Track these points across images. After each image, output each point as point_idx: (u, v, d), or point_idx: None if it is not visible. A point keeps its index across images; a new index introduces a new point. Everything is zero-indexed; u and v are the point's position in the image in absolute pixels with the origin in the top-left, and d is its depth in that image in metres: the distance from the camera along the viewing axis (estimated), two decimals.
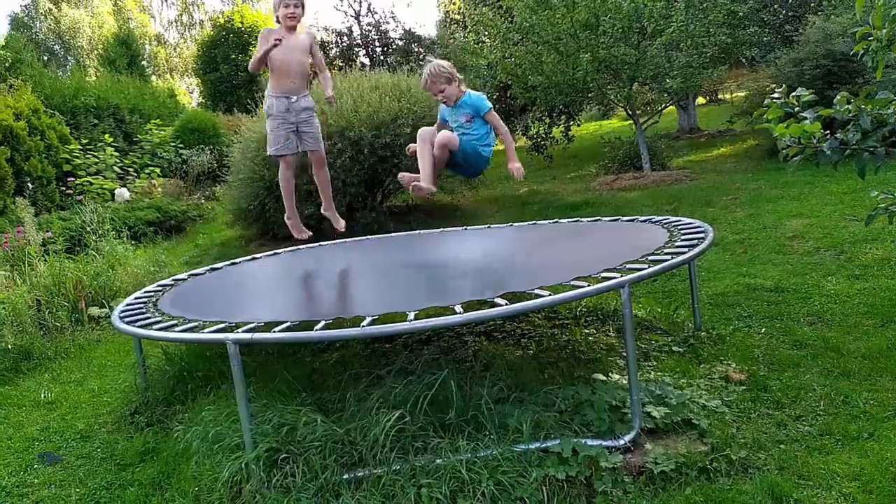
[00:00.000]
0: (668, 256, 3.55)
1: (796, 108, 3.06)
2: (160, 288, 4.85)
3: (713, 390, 3.47)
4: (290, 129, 4.82)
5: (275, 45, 4.58)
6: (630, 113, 10.77)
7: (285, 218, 5.36)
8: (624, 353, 4.00)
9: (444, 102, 4.30)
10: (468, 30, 14.75)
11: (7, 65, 14.32)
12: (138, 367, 4.32)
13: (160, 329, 3.52)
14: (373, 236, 6.31)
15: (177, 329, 3.44)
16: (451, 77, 4.21)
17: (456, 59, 16.26)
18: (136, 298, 4.53)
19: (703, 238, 3.87)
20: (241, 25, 24.11)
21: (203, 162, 14.18)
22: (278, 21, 4.83)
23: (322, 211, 5.53)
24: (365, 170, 8.43)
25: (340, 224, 5.47)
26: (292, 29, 4.79)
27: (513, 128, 15.29)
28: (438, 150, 4.19)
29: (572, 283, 3.28)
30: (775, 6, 12.16)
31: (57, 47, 37.33)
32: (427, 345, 4.54)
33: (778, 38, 12.62)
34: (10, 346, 5.28)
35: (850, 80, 9.14)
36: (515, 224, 5.72)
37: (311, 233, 5.48)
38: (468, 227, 5.89)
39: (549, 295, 3.10)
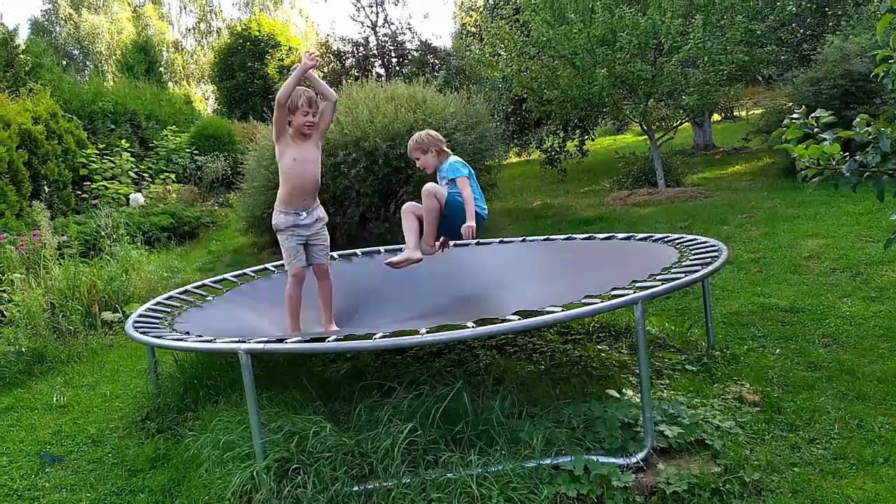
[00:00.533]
0: (682, 274, 3.54)
1: (815, 129, 3.05)
2: (171, 299, 4.86)
3: (727, 410, 3.45)
4: (299, 243, 4.39)
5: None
6: (645, 128, 10.75)
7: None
8: (636, 371, 3.99)
9: (424, 168, 4.72)
10: (484, 42, 14.80)
11: (27, 69, 14.45)
12: (150, 374, 4.33)
13: (174, 339, 3.53)
14: (384, 248, 6.31)
15: (190, 339, 3.45)
16: (425, 149, 4.63)
17: (471, 71, 16.33)
18: (149, 308, 4.55)
19: (716, 256, 3.85)
20: (258, 34, 24.31)
21: (217, 168, 14.27)
22: (289, 124, 4.30)
23: (323, 326, 4.79)
24: (379, 180, 8.45)
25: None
26: (307, 137, 4.35)
27: (527, 140, 15.33)
28: (427, 200, 4.49)
29: (585, 299, 3.27)
30: (793, 25, 12.14)
31: (76, 52, 37.74)
32: (438, 357, 4.54)
33: (795, 56, 12.59)
34: (23, 349, 5.31)
35: (867, 101, 9.10)
36: (528, 238, 5.70)
37: None
38: (480, 241, 5.87)
39: (562, 311, 3.09)
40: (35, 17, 37.85)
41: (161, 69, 23.99)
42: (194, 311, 4.69)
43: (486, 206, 4.63)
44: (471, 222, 4.34)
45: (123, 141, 13.38)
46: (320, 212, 4.55)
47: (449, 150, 4.75)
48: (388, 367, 4.37)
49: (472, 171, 4.63)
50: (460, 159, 4.67)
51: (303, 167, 4.31)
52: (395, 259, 4.54)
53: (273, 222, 4.46)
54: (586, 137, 15.05)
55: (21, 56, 14.62)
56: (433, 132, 4.73)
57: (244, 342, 3.17)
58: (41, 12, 38.32)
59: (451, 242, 4.88)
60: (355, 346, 3.27)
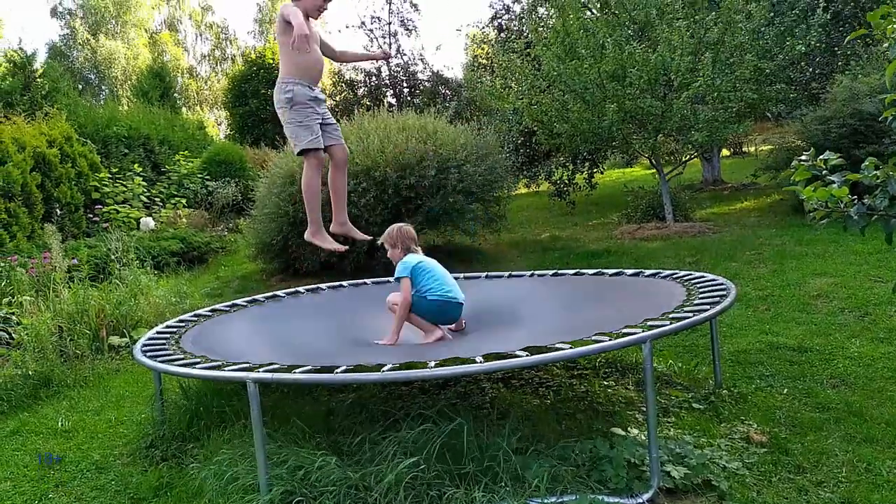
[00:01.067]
0: (690, 313, 3.54)
1: (823, 171, 3.06)
2: (182, 323, 4.89)
3: (734, 451, 3.43)
4: (316, 121, 4.25)
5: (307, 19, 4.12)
6: (654, 163, 10.80)
7: (309, 234, 4.56)
8: (643, 408, 3.98)
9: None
10: (495, 74, 14.93)
11: (44, 93, 14.64)
12: (156, 401, 4.34)
13: (181, 365, 3.54)
14: (393, 278, 6.32)
15: (198, 366, 3.46)
16: (393, 243, 4.85)
17: (482, 102, 16.46)
18: (158, 332, 4.57)
19: (725, 295, 3.85)
20: (271, 62, 24.55)
21: (228, 194, 14.36)
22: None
23: (335, 228, 4.74)
24: (388, 209, 8.49)
25: (360, 235, 4.88)
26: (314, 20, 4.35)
27: (536, 172, 15.39)
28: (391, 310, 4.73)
29: (594, 336, 3.27)
30: (802, 64, 12.21)
31: (92, 76, 38.21)
32: (444, 389, 4.53)
33: (804, 95, 12.64)
34: (30, 373, 5.33)
35: (877, 140, 9.12)
36: (536, 273, 5.71)
37: (341, 246, 4.66)
38: (489, 274, 5.89)
39: (570, 347, 3.09)
40: (53, 42, 38.42)
41: (175, 95, 24.25)
42: (201, 329, 4.71)
43: (451, 290, 4.67)
44: (393, 337, 4.51)
45: (136, 165, 13.50)
46: (322, 93, 4.45)
47: (417, 249, 4.85)
48: (394, 397, 4.36)
49: (421, 265, 4.68)
50: (411, 259, 4.73)
51: (313, 44, 4.21)
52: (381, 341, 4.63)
53: (283, 97, 4.23)
54: (595, 170, 15.10)
55: (38, 80, 14.82)
56: (406, 228, 4.87)
57: (252, 370, 3.18)
58: (59, 37, 38.89)
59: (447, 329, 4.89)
60: (364, 378, 3.26)
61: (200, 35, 44.19)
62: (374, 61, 19.60)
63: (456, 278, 5.76)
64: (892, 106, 3.05)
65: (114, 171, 12.93)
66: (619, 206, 12.96)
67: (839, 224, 3.02)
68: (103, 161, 13.07)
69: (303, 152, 4.27)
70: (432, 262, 4.80)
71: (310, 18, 4.24)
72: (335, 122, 4.44)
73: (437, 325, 4.67)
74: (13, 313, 6.43)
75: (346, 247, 4.81)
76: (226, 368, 3.36)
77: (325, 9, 4.29)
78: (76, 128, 12.76)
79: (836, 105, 9.94)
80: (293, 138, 4.27)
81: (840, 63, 12.41)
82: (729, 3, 9.87)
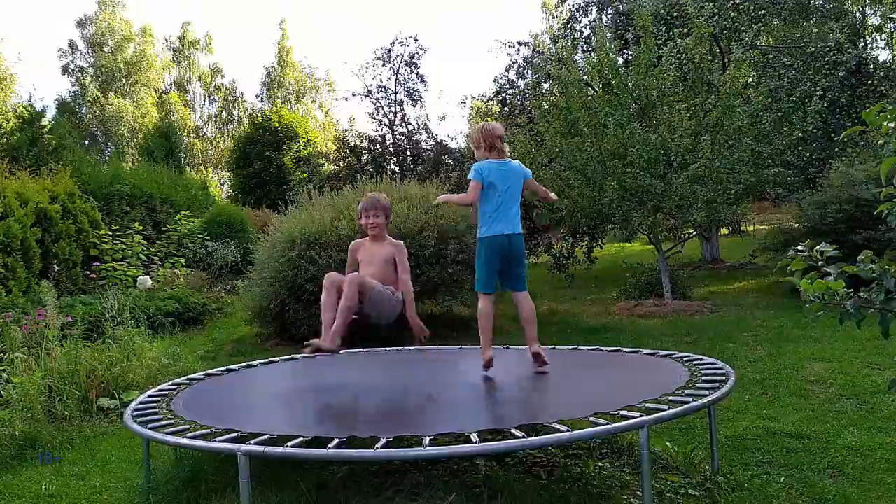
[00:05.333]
0: (689, 398, 3.52)
1: (820, 262, 3.08)
2: (174, 387, 4.84)
3: None
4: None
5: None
6: (653, 240, 10.87)
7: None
8: (638, 492, 3.91)
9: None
10: None
11: (50, 149, 14.84)
12: (143, 469, 4.26)
13: (171, 433, 3.49)
14: (390, 348, 6.30)
15: (188, 435, 3.41)
16: (477, 144, 4.73)
17: None
18: (149, 397, 4.52)
19: (724, 381, 3.83)
20: (277, 125, 24.97)
21: (227, 255, 14.39)
22: (362, 230, 4.97)
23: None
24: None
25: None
26: (377, 238, 4.90)
27: (536, 245, 15.47)
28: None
29: (591, 418, 3.25)
30: (800, 148, 12.43)
31: (99, 133, 38.74)
32: (437, 464, 4.46)
33: (802, 178, 12.84)
34: (17, 433, 5.24)
35: (872, 226, 9.22)
36: None
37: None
38: None
39: (568, 430, 3.06)
40: (63, 98, 39.05)
41: (181, 154, 24.55)
42: (193, 391, 4.65)
43: (507, 228, 4.68)
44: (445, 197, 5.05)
45: (137, 223, 13.57)
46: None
47: (503, 147, 4.71)
48: (385, 472, 4.29)
49: (500, 177, 4.67)
50: (487, 164, 4.66)
51: (370, 261, 4.79)
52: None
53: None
54: (595, 245, 15.19)
55: (46, 136, 15.03)
56: (489, 125, 4.74)
57: (243, 442, 3.14)
58: (69, 94, 39.57)
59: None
60: (356, 456, 3.21)
61: (209, 96, 45.01)
62: (378, 130, 19.92)
63: (453, 350, 5.76)
64: (888, 199, 3.10)
65: (114, 228, 12.99)
66: (617, 281, 12.99)
67: (836, 313, 3.03)
68: (105, 218, 13.14)
69: None
70: (506, 186, 4.62)
71: (375, 240, 4.91)
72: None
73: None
74: (4, 370, 6.37)
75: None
76: (216, 438, 3.31)
77: (375, 223, 4.85)
78: (80, 184, 12.87)
79: (832, 190, 10.09)
80: None
81: (837, 149, 12.64)
82: (728, 87, 10.09)
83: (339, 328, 4.60)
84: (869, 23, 17.51)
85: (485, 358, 4.69)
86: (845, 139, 12.26)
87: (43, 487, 4.57)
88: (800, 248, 3.10)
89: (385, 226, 4.98)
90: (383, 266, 4.80)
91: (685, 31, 12.78)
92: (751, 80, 12.60)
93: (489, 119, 20.90)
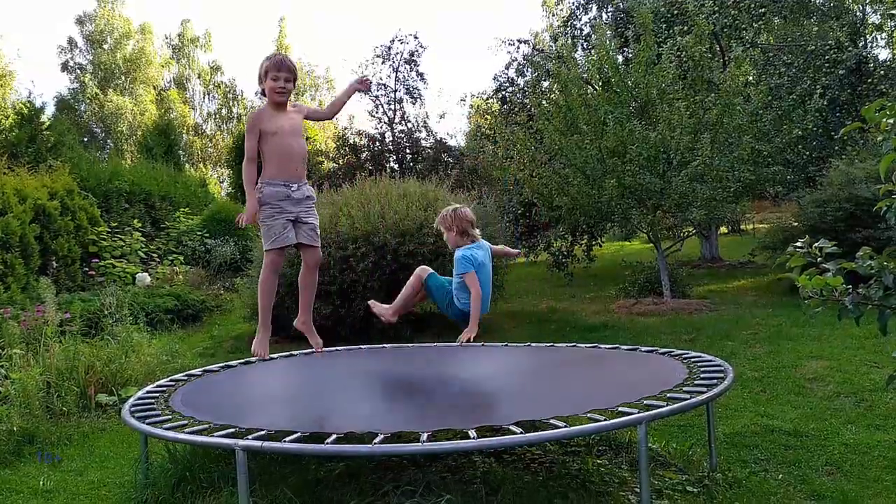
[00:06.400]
0: (687, 395, 3.52)
1: (819, 259, 3.08)
2: (172, 383, 4.84)
3: None
4: (287, 220, 4.23)
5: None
6: (652, 239, 10.87)
7: (255, 344, 4.78)
8: (636, 489, 3.91)
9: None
10: (497, 145, 15.15)
11: (49, 145, 14.82)
12: (141, 464, 4.26)
13: (169, 428, 3.49)
14: (389, 345, 6.30)
15: (186, 430, 3.41)
16: (448, 226, 4.85)
17: (483, 171, 16.67)
18: (147, 392, 4.52)
19: (722, 378, 3.83)
20: None
21: (226, 252, 14.38)
22: (264, 94, 4.23)
23: (296, 324, 4.89)
24: (387, 275, 8.51)
25: (318, 342, 5.05)
26: (282, 105, 4.22)
27: (535, 243, 15.47)
28: (412, 277, 4.91)
29: (589, 414, 3.25)
30: (799, 147, 12.43)
31: (98, 130, 38.70)
32: (435, 461, 4.46)
33: (801, 177, 12.84)
34: (15, 429, 5.24)
35: (872, 225, 9.21)
36: (533, 344, 5.68)
37: (267, 355, 4.81)
38: (486, 343, 5.85)
39: (565, 426, 3.06)
40: (62, 95, 39.00)
41: (180, 151, 24.53)
42: (191, 388, 4.65)
43: (488, 295, 4.70)
44: (471, 332, 4.44)
45: (136, 220, 13.56)
46: (310, 189, 4.36)
47: (475, 234, 4.78)
48: (384, 468, 4.28)
49: (482, 260, 4.67)
50: (472, 250, 4.70)
51: (288, 137, 4.16)
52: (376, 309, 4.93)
53: (258, 194, 4.16)
54: (594, 243, 15.19)
55: (45, 133, 15.02)
56: (463, 210, 4.81)
57: (241, 437, 3.14)
58: (68, 90, 39.53)
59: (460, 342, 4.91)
60: (354, 451, 3.22)
61: (208, 94, 44.96)
62: (378, 128, 19.89)
63: (451, 346, 5.76)
64: (887, 196, 3.09)
65: (113, 225, 12.99)
66: (616, 279, 12.99)
67: (834, 310, 3.03)
68: (104, 215, 13.14)
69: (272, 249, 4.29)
70: (485, 267, 4.78)
71: (279, 107, 4.21)
72: (315, 222, 4.40)
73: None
74: (2, 366, 6.37)
75: (268, 357, 4.81)
76: (214, 434, 3.31)
77: (287, 89, 4.19)
78: (79, 181, 12.87)
79: (832, 189, 10.08)
80: (264, 235, 4.29)
81: (837, 147, 12.64)
82: (728, 85, 10.09)
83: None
84: (869, 21, 17.51)
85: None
86: (845, 137, 12.25)
87: (41, 483, 4.57)
88: (799, 244, 3.10)
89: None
90: (302, 137, 4.35)
91: (685, 28, 12.79)
92: (751, 78, 12.58)
93: (489, 117, 20.88)
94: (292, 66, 4.20)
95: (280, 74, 4.12)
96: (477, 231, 4.81)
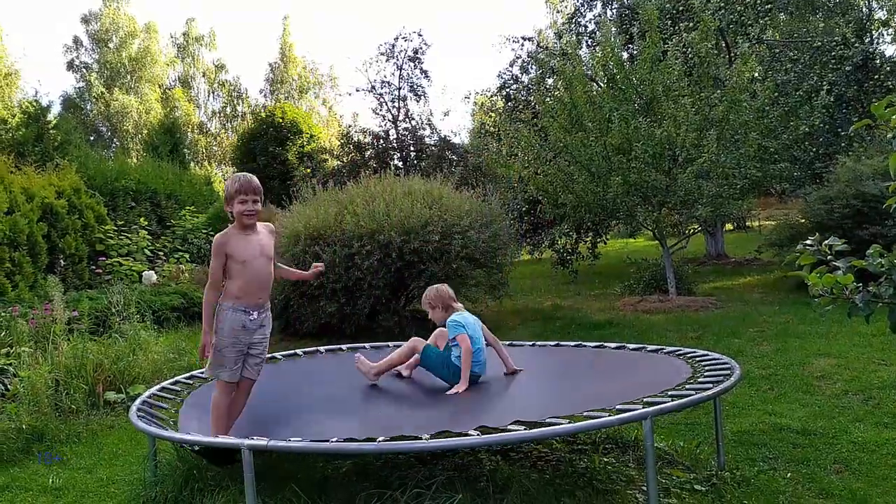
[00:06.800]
0: (693, 391, 3.51)
1: (828, 256, 3.07)
2: (178, 385, 4.85)
3: None
4: (239, 353, 3.99)
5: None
6: (658, 236, 10.85)
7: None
8: (644, 487, 3.90)
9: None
10: (502, 142, 15.13)
11: (55, 144, 14.85)
12: (149, 463, 4.27)
13: (176, 430, 3.50)
14: (393, 343, 6.29)
15: (193, 431, 3.42)
16: (433, 304, 4.92)
17: (488, 168, 16.64)
18: (154, 393, 4.53)
19: (728, 374, 3.82)
20: (281, 121, 24.94)
21: None
22: (231, 216, 4.07)
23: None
24: (391, 273, 8.51)
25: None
26: (251, 227, 4.07)
27: (540, 240, 15.45)
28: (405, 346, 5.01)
29: (594, 411, 3.24)
30: (806, 143, 12.39)
31: (104, 129, 38.76)
32: (442, 460, 4.46)
33: (808, 173, 12.79)
34: (24, 426, 5.26)
35: (879, 222, 9.18)
36: (538, 343, 5.68)
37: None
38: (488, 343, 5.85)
39: (569, 422, 3.06)
40: (68, 94, 39.07)
41: (185, 150, 24.55)
42: (197, 391, 4.66)
43: (483, 361, 4.78)
44: (461, 386, 4.56)
45: (142, 219, 13.59)
46: (268, 318, 4.13)
47: (457, 306, 4.92)
48: (390, 466, 4.29)
49: (472, 324, 4.78)
50: (461, 314, 4.83)
51: (255, 264, 3.98)
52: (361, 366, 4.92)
53: (215, 320, 3.99)
54: (599, 240, 15.16)
55: (51, 132, 15.05)
56: (443, 289, 4.96)
57: (247, 437, 3.14)
58: (74, 90, 39.60)
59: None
60: (359, 449, 3.22)
61: (213, 92, 44.97)
62: (382, 125, 19.87)
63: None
64: None
65: (120, 223, 13.02)
66: (621, 276, 12.98)
67: (844, 308, 3.01)
68: (110, 213, 13.18)
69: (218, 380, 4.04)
70: (474, 326, 4.83)
71: (247, 229, 4.05)
72: (263, 355, 4.14)
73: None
74: (10, 364, 6.39)
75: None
76: (221, 436, 3.32)
77: (256, 211, 4.02)
78: (85, 180, 12.90)
79: (839, 186, 10.04)
80: (211, 363, 4.01)
81: (843, 144, 12.59)
82: (734, 82, 10.05)
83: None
84: (875, 17, 17.44)
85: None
86: (852, 134, 12.21)
87: (50, 480, 4.59)
88: (808, 241, 3.08)
89: None
90: (269, 259, 4.11)
91: (691, 25, 12.76)
92: (757, 74, 12.54)
93: (493, 114, 20.85)
94: (259, 188, 4.09)
95: (248, 197, 4.00)
96: (459, 304, 4.95)
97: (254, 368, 4.07)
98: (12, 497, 4.38)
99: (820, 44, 13.40)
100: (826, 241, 3.08)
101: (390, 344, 6.25)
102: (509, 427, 3.13)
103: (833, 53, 13.17)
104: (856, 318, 2.80)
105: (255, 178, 4.11)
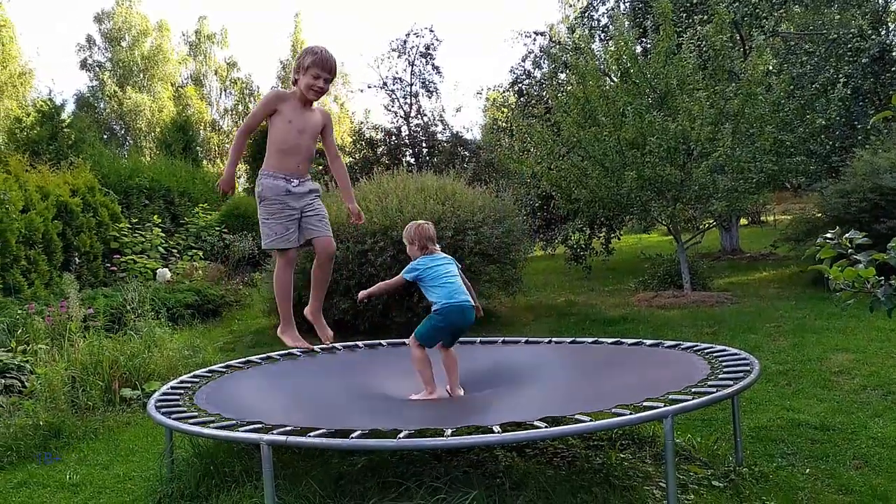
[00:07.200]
0: (713, 389, 3.48)
1: (849, 250, 3.04)
2: (196, 379, 4.86)
3: None
4: (290, 218, 3.95)
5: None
6: (672, 231, 10.79)
7: (279, 331, 4.62)
8: (661, 483, 3.88)
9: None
10: (514, 138, 15.09)
11: (70, 143, 14.93)
12: (166, 458, 4.28)
13: (195, 423, 3.50)
14: (387, 342, 6.26)
15: (212, 425, 3.42)
16: (411, 240, 4.64)
17: (500, 164, 16.61)
18: (171, 388, 4.54)
19: (749, 371, 3.79)
20: None
21: (245, 248, 14.45)
22: (295, 83, 3.96)
23: (306, 312, 4.61)
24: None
25: (327, 335, 4.72)
26: (309, 103, 4.02)
27: (553, 236, 15.41)
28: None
29: (613, 409, 3.22)
30: (822, 137, 12.28)
31: (117, 127, 38.97)
32: (457, 456, 4.45)
33: (824, 167, 12.68)
34: (41, 423, 5.29)
35: None
36: (554, 340, 5.65)
37: (308, 345, 4.69)
38: (506, 339, 5.84)
39: (590, 420, 3.04)
40: (81, 93, 39.31)
41: (197, 147, 24.62)
42: (215, 385, 4.67)
43: (461, 290, 4.64)
44: (426, 392, 4.46)
45: (156, 217, 13.65)
46: (312, 183, 4.08)
47: (434, 248, 4.76)
48: (406, 462, 4.28)
49: (435, 265, 4.62)
50: (430, 257, 4.66)
51: (302, 135, 3.93)
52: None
53: (257, 191, 3.93)
54: (612, 236, 15.10)
55: (65, 130, 15.13)
56: (425, 227, 4.71)
57: (266, 432, 3.14)
58: (88, 88, 39.83)
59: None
60: (379, 445, 3.21)
61: (225, 90, 45.14)
62: (394, 122, 19.88)
63: (472, 342, 5.74)
64: None
65: (134, 221, 13.09)
66: (635, 272, 12.92)
67: (864, 302, 2.98)
68: (124, 211, 13.25)
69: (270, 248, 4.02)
70: (442, 265, 4.62)
71: (307, 104, 4.01)
72: (322, 211, 4.12)
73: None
74: (27, 361, 6.43)
75: (313, 347, 4.64)
76: (239, 429, 3.32)
77: (324, 89, 3.95)
78: (99, 178, 12.97)
79: (856, 179, 9.95)
80: (262, 233, 4.00)
81: (860, 137, 12.47)
82: (749, 75, 9.98)
83: None
84: (891, 8, 17.25)
85: (430, 390, 4.63)
86: (869, 127, 12.09)
87: (68, 477, 4.61)
88: (829, 235, 3.05)
89: None
90: (314, 139, 4.07)
91: (705, 18, 12.67)
92: (772, 67, 12.43)
93: (505, 110, 20.79)
94: (335, 68, 3.93)
95: (321, 74, 3.86)
96: (437, 246, 4.81)
97: (319, 224, 4.00)
98: (30, 493, 4.41)
99: (836, 36, 13.26)
100: (846, 235, 3.05)
101: (406, 341, 6.24)
102: (529, 423, 3.11)
103: (849, 46, 13.03)
104: (878, 312, 2.76)
105: (333, 56, 3.95)
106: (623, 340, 5.33)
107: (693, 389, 3.53)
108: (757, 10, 13.45)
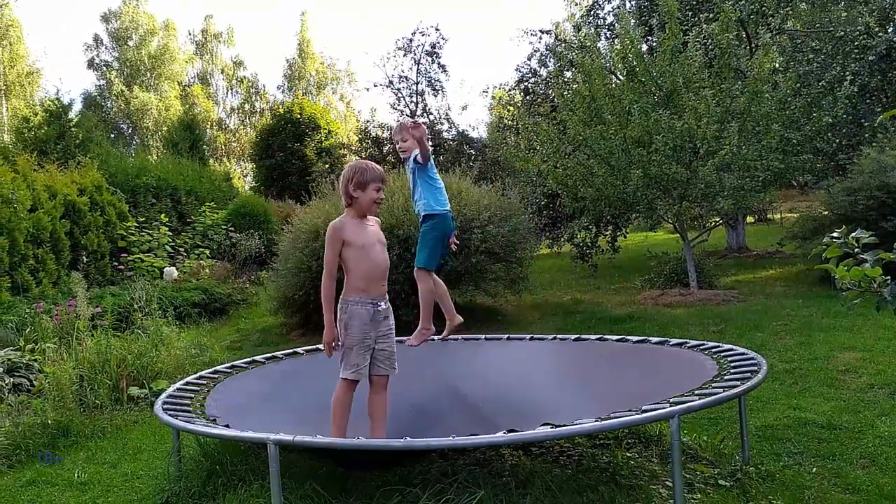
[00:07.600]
0: (720, 389, 3.48)
1: (855, 249, 3.03)
2: (202, 380, 4.88)
3: None
4: (368, 348, 3.78)
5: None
6: (678, 229, 10.77)
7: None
8: (667, 482, 3.88)
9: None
10: (520, 136, 15.06)
11: (77, 142, 14.98)
12: (173, 457, 4.30)
13: (202, 423, 3.52)
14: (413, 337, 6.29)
15: (219, 425, 3.43)
16: (402, 137, 4.90)
17: (506, 162, 16.60)
18: (179, 388, 4.56)
19: (756, 371, 3.79)
20: (299, 117, 25.02)
21: (252, 246, 14.49)
22: (350, 205, 3.89)
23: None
24: (411, 269, 8.48)
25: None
26: (365, 217, 3.94)
27: (559, 234, 15.39)
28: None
29: (621, 410, 3.22)
30: (829, 135, 12.22)
31: (124, 126, 39.08)
32: (463, 455, 4.46)
33: (831, 165, 12.62)
34: (49, 422, 5.32)
35: None
36: (559, 337, 5.65)
37: None
38: (511, 336, 5.84)
39: (596, 421, 3.04)
40: (89, 92, 39.42)
41: (204, 146, 24.70)
42: (222, 387, 4.69)
43: (444, 202, 4.75)
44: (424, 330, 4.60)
45: (163, 215, 13.69)
46: (390, 308, 3.93)
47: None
48: (413, 462, 4.29)
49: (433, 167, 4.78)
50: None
51: (374, 251, 3.86)
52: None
53: (342, 318, 3.76)
54: (618, 234, 15.08)
55: (73, 129, 15.18)
56: (422, 127, 4.83)
57: (273, 433, 3.15)
58: (95, 87, 39.94)
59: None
60: (385, 445, 3.22)
61: (231, 89, 45.21)
62: (400, 118, 19.87)
63: (477, 339, 5.75)
64: None
65: (141, 220, 13.14)
66: (641, 270, 12.90)
67: (871, 301, 2.97)
68: (131, 210, 13.29)
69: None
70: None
71: (364, 218, 3.94)
72: (392, 348, 3.93)
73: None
74: (35, 360, 6.46)
75: None
76: (247, 428, 3.34)
77: (381, 199, 3.93)
78: (107, 177, 13.01)
79: (863, 177, 9.90)
80: (345, 363, 3.79)
81: (867, 135, 12.41)
82: (756, 73, 9.95)
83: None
84: None
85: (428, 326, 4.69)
86: (877, 125, 12.02)
87: (76, 475, 4.64)
88: (835, 234, 3.05)
89: None
90: (384, 246, 4.01)
91: (711, 16, 12.61)
92: (778, 65, 12.39)
93: (511, 108, 20.77)
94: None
95: (382, 186, 3.92)
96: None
97: (386, 362, 3.87)
98: (38, 491, 4.43)
99: (842, 33, 13.19)
100: (853, 234, 3.05)
101: (409, 339, 6.24)
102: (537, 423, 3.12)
103: (856, 43, 12.95)
104: (886, 310, 2.76)
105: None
106: (629, 338, 5.33)
107: (699, 391, 3.52)
108: (763, 8, 13.39)
